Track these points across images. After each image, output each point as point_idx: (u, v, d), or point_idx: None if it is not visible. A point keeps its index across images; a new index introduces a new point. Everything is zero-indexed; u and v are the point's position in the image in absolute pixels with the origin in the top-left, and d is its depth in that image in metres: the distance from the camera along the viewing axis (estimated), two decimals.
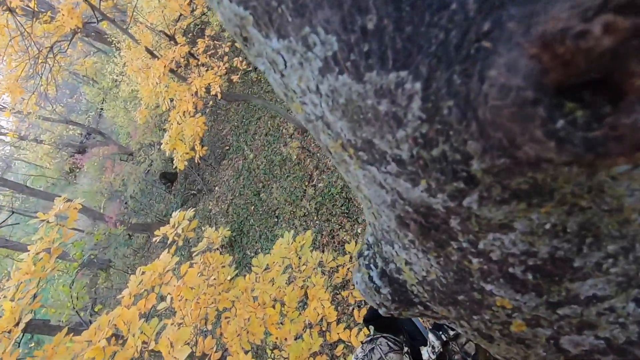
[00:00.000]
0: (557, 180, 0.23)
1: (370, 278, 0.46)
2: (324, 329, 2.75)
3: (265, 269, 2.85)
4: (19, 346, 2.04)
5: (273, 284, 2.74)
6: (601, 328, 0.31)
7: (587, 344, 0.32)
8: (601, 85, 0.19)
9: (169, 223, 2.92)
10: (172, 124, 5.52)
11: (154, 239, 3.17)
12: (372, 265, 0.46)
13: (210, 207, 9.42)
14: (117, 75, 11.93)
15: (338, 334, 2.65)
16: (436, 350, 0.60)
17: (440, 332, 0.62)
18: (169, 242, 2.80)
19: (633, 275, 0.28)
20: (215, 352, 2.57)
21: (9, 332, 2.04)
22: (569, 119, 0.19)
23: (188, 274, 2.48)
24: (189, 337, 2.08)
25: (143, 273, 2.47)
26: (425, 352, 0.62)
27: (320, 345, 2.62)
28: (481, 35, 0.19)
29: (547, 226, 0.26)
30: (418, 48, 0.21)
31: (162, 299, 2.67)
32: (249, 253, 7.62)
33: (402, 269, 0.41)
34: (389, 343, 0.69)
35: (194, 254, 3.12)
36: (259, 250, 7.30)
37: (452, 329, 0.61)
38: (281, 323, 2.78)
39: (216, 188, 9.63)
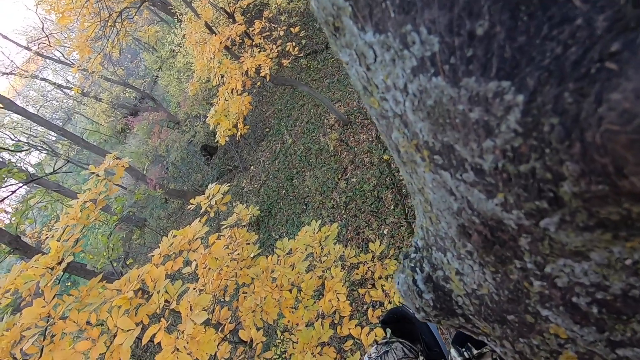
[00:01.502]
0: None
1: (414, 281, 0.45)
2: (336, 321, 2.77)
3: (288, 253, 2.90)
4: (58, 283, 2.24)
5: (293, 268, 2.78)
6: None
7: None
8: None
9: (203, 193, 3.03)
10: (219, 99, 5.69)
11: (188, 206, 3.32)
12: (417, 269, 0.45)
13: (243, 185, 9.69)
14: (175, 46, 12.44)
15: (349, 329, 2.66)
16: None
17: (464, 349, 0.60)
18: (201, 211, 2.92)
19: None
20: (230, 323, 2.68)
21: (52, 268, 2.24)
22: None
23: (215, 244, 2.58)
24: (207, 304, 2.17)
25: (174, 237, 2.60)
26: None
27: (330, 337, 2.64)
28: (606, 56, 0.18)
29: (628, 262, 0.25)
30: (528, 60, 0.20)
31: (187, 264, 2.81)
32: (273, 235, 7.79)
33: (451, 278, 0.40)
34: (405, 349, 0.68)
35: (223, 227, 3.23)
36: (284, 234, 7.43)
37: (477, 348, 0.59)
38: (295, 308, 2.83)
39: (252, 167, 9.87)
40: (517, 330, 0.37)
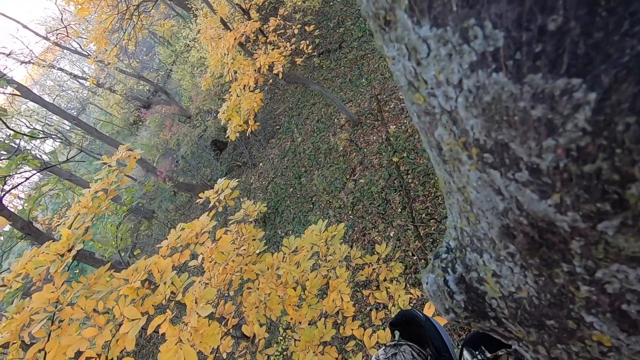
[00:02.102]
0: None
1: (446, 282, 0.45)
2: (339, 321, 2.76)
3: (293, 251, 2.91)
4: (67, 269, 2.28)
5: (298, 267, 2.79)
6: None
7: None
8: None
9: (212, 188, 3.06)
10: (231, 95, 5.72)
11: (196, 200, 3.35)
12: (449, 270, 0.45)
13: (251, 181, 9.74)
14: (189, 41, 12.56)
15: (352, 330, 2.66)
16: None
17: (477, 352, 0.59)
18: (210, 205, 2.94)
19: None
20: (233, 317, 2.69)
21: (62, 255, 2.28)
22: None
23: (222, 239, 2.60)
24: (212, 298, 2.19)
25: (182, 229, 2.62)
26: None
27: (332, 336, 2.64)
28: None
29: None
30: (604, 57, 0.20)
31: (194, 257, 2.83)
32: (279, 232, 7.81)
33: (486, 279, 0.40)
34: (413, 352, 0.67)
35: (230, 222, 3.25)
36: (290, 232, 7.45)
37: (490, 351, 0.58)
38: (298, 306, 2.84)
39: (260, 164, 9.91)
40: (555, 336, 0.36)
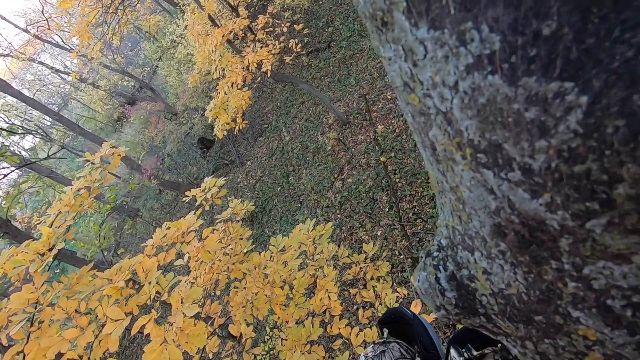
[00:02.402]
0: None
1: (437, 279, 0.46)
2: (326, 320, 2.77)
3: (281, 250, 2.90)
4: (48, 269, 2.21)
5: (285, 266, 2.78)
6: None
7: None
8: None
9: (198, 186, 3.02)
10: (219, 93, 5.66)
11: (183, 199, 3.30)
12: (441, 267, 0.46)
13: (239, 180, 9.66)
14: (176, 37, 12.35)
15: (339, 328, 2.67)
16: None
17: (463, 350, 0.61)
18: (196, 204, 2.90)
19: None
20: (219, 317, 2.67)
21: (42, 255, 2.22)
22: None
23: (209, 238, 2.57)
24: (198, 297, 2.16)
25: (168, 228, 2.58)
26: None
27: (319, 335, 2.65)
28: None
29: None
30: (595, 62, 0.20)
31: (179, 256, 2.79)
32: (267, 231, 7.78)
33: (477, 277, 0.41)
34: (402, 350, 0.68)
35: (217, 220, 3.22)
36: (278, 231, 7.43)
37: (477, 349, 0.59)
38: (286, 305, 2.83)
39: (248, 163, 9.84)
40: (543, 331, 0.37)
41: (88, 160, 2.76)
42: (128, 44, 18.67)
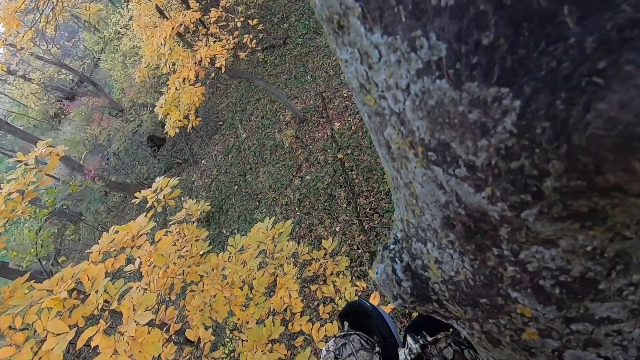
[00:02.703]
0: (615, 208, 0.25)
1: (394, 270, 0.49)
2: (287, 318, 2.77)
3: (240, 250, 2.85)
4: None
5: (245, 266, 2.73)
6: (605, 347, 0.35)
7: None
8: None
9: (149, 187, 2.87)
10: (170, 88, 5.40)
11: (132, 200, 3.11)
12: (397, 259, 0.49)
13: (193, 179, 9.30)
14: (120, 28, 11.56)
15: (300, 325, 2.68)
16: (414, 352, 0.63)
17: (419, 337, 0.64)
18: (147, 206, 2.76)
19: None
20: (176, 322, 2.56)
21: None
22: None
23: (162, 241, 2.45)
24: (152, 304, 2.06)
25: (116, 232, 2.42)
26: (402, 353, 0.65)
27: (281, 333, 2.64)
28: (594, 72, 0.21)
29: (589, 248, 0.29)
30: (526, 70, 0.23)
31: (130, 261, 2.63)
32: (224, 231, 7.58)
33: (430, 266, 0.44)
34: (362, 341, 0.71)
35: (171, 222, 3.08)
36: (236, 230, 7.27)
37: (431, 335, 0.63)
38: (246, 306, 2.78)
39: (203, 161, 9.50)
40: (487, 312, 0.41)
41: (20, 161, 2.51)
42: (65, 34, 17.11)
